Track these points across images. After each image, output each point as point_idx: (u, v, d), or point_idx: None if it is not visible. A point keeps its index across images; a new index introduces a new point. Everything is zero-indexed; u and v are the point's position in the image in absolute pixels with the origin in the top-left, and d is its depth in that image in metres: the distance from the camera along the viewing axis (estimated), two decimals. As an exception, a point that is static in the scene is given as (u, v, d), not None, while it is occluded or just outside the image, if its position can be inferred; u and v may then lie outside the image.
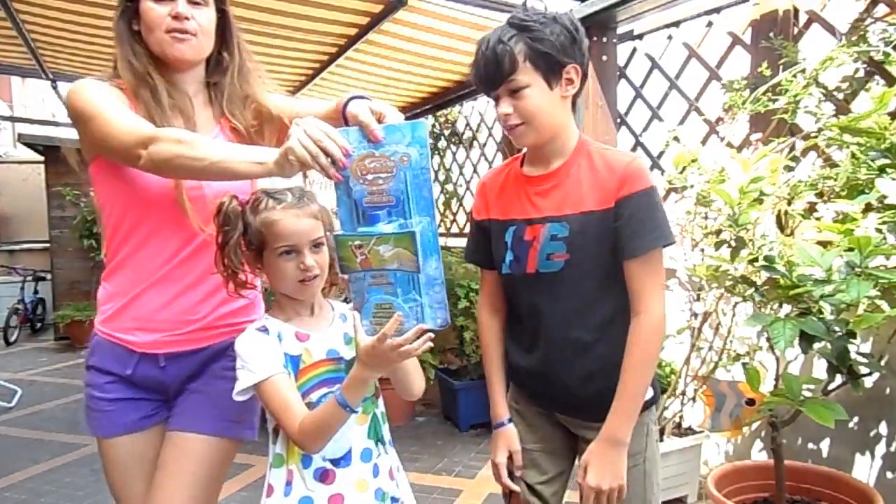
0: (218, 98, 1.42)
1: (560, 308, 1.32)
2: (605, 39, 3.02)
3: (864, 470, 2.29)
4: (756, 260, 1.84)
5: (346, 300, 1.39)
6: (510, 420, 1.46)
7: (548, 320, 1.34)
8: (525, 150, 1.42)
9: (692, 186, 2.22)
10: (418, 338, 1.08)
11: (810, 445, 2.47)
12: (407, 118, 1.13)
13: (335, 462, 1.24)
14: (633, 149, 3.36)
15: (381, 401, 1.33)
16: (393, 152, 1.06)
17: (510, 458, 1.45)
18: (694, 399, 2.66)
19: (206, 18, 1.32)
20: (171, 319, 1.36)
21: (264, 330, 1.24)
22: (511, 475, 1.45)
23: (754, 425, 2.52)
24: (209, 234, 1.30)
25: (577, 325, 1.32)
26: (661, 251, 1.30)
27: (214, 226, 1.25)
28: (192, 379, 1.43)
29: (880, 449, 2.25)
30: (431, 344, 1.10)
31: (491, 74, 1.26)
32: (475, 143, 4.96)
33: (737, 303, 2.29)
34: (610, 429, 1.27)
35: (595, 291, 1.31)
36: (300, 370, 1.23)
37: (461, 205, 5.22)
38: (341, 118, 1.18)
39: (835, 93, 2.34)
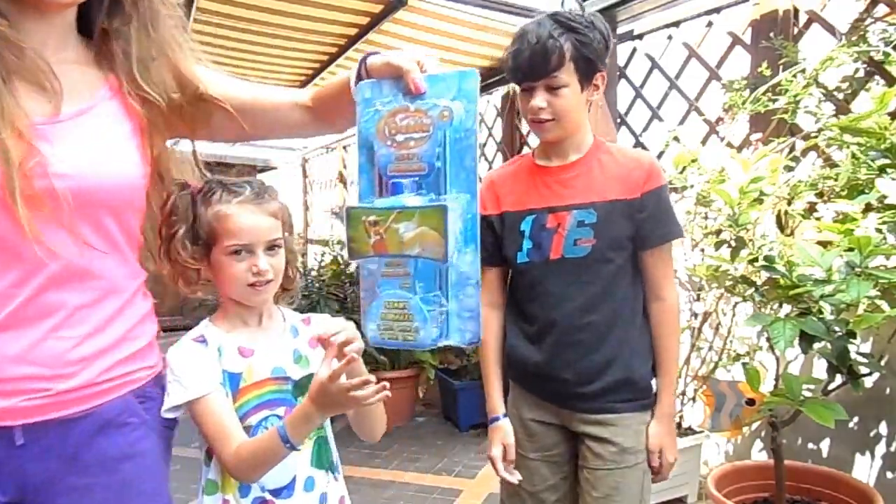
0: (121, 53, 1.00)
1: (581, 292, 1.36)
2: (605, 39, 3.02)
3: (864, 470, 2.29)
4: (756, 260, 1.84)
5: (303, 309, 1.29)
6: (505, 415, 1.48)
7: (565, 306, 1.37)
8: (529, 148, 1.45)
9: (692, 186, 2.22)
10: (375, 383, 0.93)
11: (810, 445, 2.47)
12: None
13: (276, 492, 1.11)
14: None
15: (328, 423, 1.19)
16: (432, 106, 0.83)
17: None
18: (694, 399, 2.66)
19: None
20: (30, 376, 0.91)
21: (202, 341, 1.10)
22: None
23: (754, 425, 2.52)
24: (89, 251, 0.92)
25: (595, 311, 1.36)
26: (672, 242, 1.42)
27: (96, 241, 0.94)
28: (69, 466, 0.95)
29: (880, 449, 2.25)
30: (388, 394, 0.93)
31: (536, 67, 1.28)
32: (475, 143, 4.97)
33: (737, 303, 2.29)
34: (665, 406, 1.42)
35: (615, 276, 1.37)
36: (240, 389, 1.10)
37: (461, 205, 5.23)
38: (354, 86, 0.94)
39: (835, 93, 2.34)
